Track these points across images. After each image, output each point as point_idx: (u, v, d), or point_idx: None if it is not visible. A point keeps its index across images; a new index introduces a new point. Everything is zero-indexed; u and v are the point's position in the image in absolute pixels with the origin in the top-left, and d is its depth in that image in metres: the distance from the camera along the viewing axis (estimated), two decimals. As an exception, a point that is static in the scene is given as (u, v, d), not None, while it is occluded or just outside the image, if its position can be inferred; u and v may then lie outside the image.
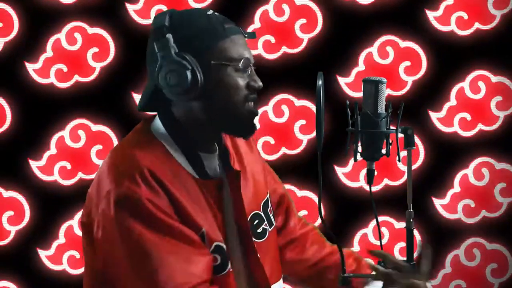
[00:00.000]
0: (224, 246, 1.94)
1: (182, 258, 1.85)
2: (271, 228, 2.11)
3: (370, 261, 2.12)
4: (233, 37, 1.94)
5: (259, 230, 2.07)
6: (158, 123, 1.99)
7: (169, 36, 1.91)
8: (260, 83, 1.97)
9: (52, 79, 3.59)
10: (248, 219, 2.04)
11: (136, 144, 1.95)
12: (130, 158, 1.90)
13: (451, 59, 3.54)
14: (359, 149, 1.99)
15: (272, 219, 2.13)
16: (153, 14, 3.56)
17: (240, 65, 1.94)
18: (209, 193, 1.95)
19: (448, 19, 3.53)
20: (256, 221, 2.07)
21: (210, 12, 1.97)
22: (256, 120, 2.00)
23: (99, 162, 3.57)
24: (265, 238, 2.08)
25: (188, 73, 1.89)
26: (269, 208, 2.13)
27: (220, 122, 1.97)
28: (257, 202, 2.09)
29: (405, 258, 1.98)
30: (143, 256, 1.83)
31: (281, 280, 2.14)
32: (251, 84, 1.96)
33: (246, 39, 1.99)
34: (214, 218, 1.95)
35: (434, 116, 3.54)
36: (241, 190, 2.02)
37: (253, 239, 2.04)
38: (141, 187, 1.84)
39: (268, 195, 2.15)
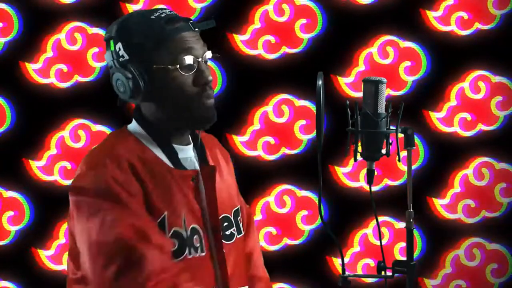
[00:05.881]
0: (184, 233, 1.98)
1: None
2: (239, 236, 2.13)
3: None
4: (175, 37, 1.97)
5: (227, 232, 2.09)
6: (133, 123, 2.07)
7: (119, 45, 1.98)
8: (208, 77, 2.00)
9: (52, 79, 3.59)
10: (219, 218, 2.07)
11: (111, 139, 2.05)
12: (105, 148, 2.01)
13: (451, 59, 3.54)
14: (359, 149, 1.99)
15: (241, 228, 2.16)
16: (153, 14, 3.57)
17: (182, 66, 1.97)
18: (184, 183, 2.01)
19: (448, 19, 3.53)
20: (226, 223, 2.10)
21: (156, 14, 1.99)
22: (213, 112, 2.02)
23: (99, 162, 3.57)
24: (232, 241, 2.09)
25: (130, 82, 1.96)
26: (239, 218, 2.15)
27: (176, 119, 2.02)
28: (229, 207, 2.12)
29: (405, 258, 1.98)
30: (103, 221, 1.93)
31: None
32: (198, 80, 1.99)
33: (197, 31, 2.00)
34: (185, 206, 2.00)
35: (434, 116, 3.54)
36: (215, 185, 2.06)
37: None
38: (108, 167, 1.94)
39: (239, 207, 2.17)
